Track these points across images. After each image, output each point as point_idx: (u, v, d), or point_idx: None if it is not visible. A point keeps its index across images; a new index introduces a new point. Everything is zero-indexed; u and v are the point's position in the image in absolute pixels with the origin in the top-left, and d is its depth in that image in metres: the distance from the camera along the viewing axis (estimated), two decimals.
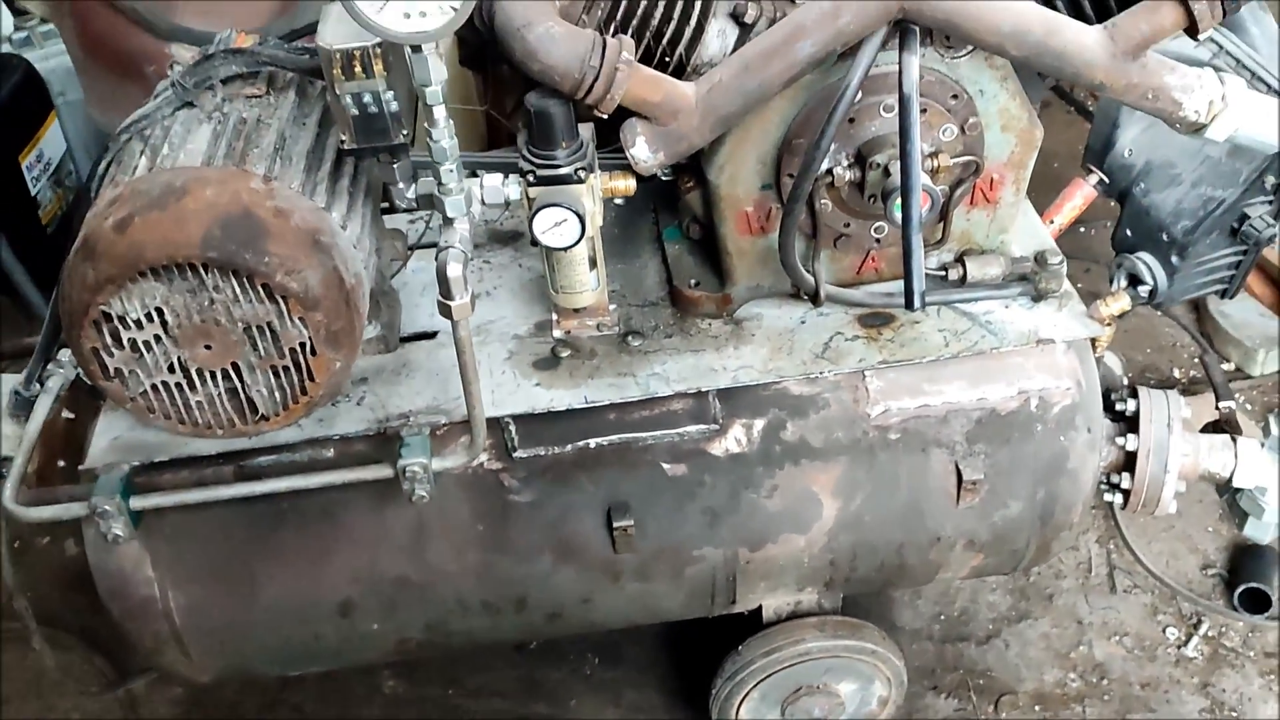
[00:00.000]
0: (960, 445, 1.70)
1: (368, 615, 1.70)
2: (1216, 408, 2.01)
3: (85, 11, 2.36)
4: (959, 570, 1.86)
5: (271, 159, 1.44)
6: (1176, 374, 2.86)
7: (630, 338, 1.71)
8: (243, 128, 1.47)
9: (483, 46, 1.49)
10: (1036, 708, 2.24)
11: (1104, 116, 2.04)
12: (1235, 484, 1.91)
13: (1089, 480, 1.77)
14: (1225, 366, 2.82)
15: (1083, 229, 2.87)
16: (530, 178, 1.50)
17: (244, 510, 1.61)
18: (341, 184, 1.53)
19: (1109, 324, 1.85)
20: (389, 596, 1.69)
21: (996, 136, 1.63)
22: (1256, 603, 2.34)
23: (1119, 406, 1.87)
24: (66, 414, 1.72)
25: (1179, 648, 2.31)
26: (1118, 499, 1.90)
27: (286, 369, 1.43)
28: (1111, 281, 2.02)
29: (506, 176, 1.51)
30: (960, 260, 1.73)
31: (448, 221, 1.44)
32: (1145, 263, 1.95)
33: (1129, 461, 1.86)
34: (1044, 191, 1.99)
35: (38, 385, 1.62)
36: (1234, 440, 1.90)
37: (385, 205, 1.64)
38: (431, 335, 1.73)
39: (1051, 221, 2.08)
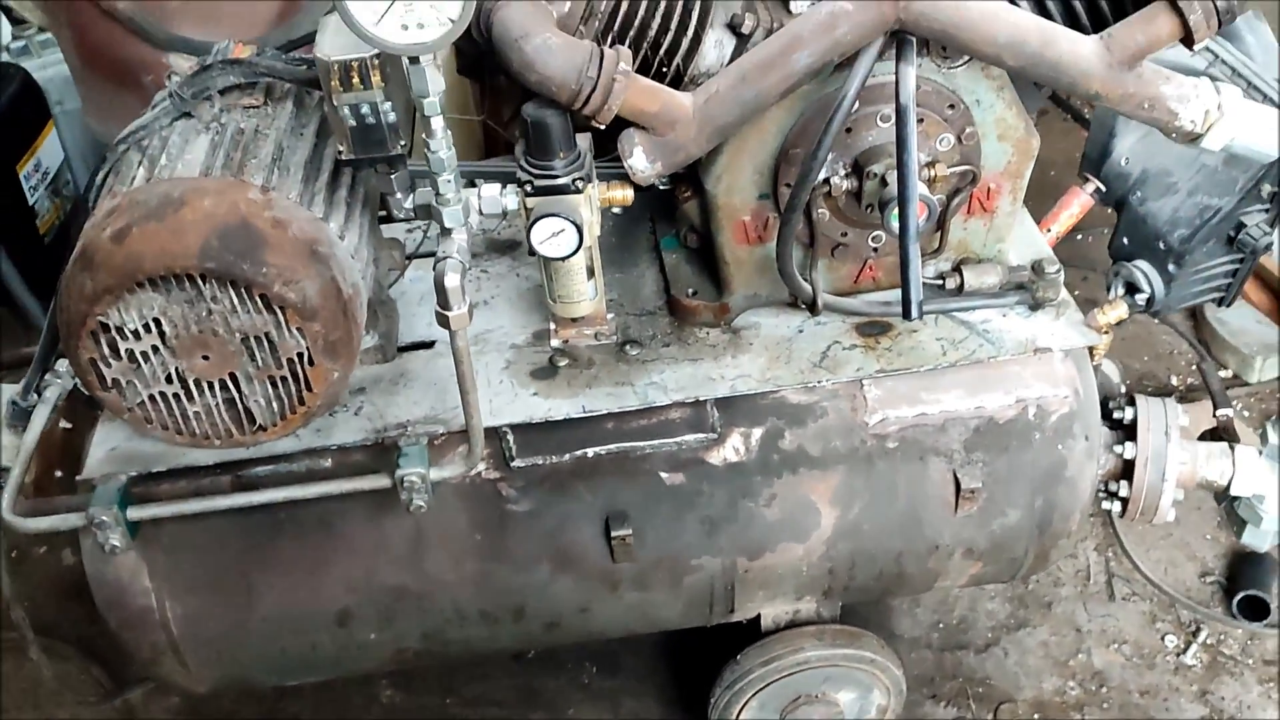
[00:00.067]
0: (958, 454, 1.70)
1: (365, 625, 1.70)
2: (1214, 415, 2.02)
3: (83, 21, 2.36)
4: (957, 578, 1.86)
5: (269, 169, 1.44)
6: (1174, 381, 2.86)
7: (628, 347, 1.71)
8: (240, 138, 1.47)
9: (480, 56, 1.50)
10: (1035, 716, 2.24)
11: (1101, 125, 2.05)
12: (1233, 492, 1.91)
13: (1087, 488, 1.77)
14: (1223, 373, 2.83)
15: (1080, 236, 2.87)
16: (528, 188, 1.50)
17: (241, 520, 1.61)
18: (339, 194, 1.53)
19: (1106, 332, 1.85)
20: (387, 606, 1.69)
21: (993, 146, 1.63)
22: (1255, 610, 2.34)
23: (1117, 415, 1.87)
24: (64, 424, 1.72)
25: (1178, 655, 2.31)
26: (1116, 507, 1.90)
27: (284, 379, 1.43)
28: (1109, 290, 2.02)
29: (504, 186, 1.51)
30: (958, 269, 1.73)
31: (445, 232, 1.44)
32: (1142, 271, 1.96)
33: (1127, 469, 1.86)
34: (1041, 199, 2.00)
35: (35, 395, 1.62)
36: (1232, 448, 1.90)
37: (383, 214, 1.64)
38: (429, 345, 1.74)
39: (1049, 230, 2.09)
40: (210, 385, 1.43)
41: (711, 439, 1.66)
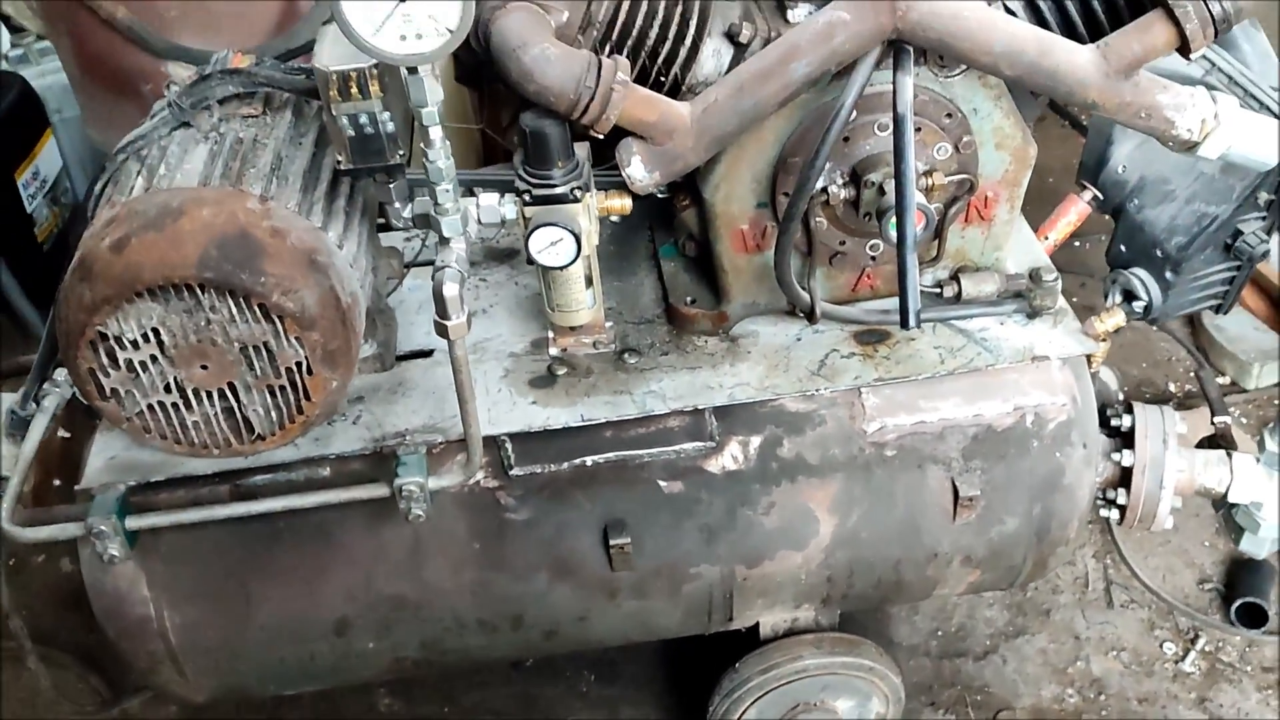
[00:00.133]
0: (956, 461, 1.71)
1: (363, 634, 1.70)
2: (1212, 423, 2.02)
3: (82, 29, 2.36)
4: (956, 586, 1.86)
5: (268, 179, 1.44)
6: (1172, 388, 2.86)
7: (626, 355, 1.71)
8: (239, 148, 1.48)
9: (479, 64, 1.50)
10: None
11: (1098, 133, 2.05)
12: (1231, 499, 1.91)
13: (1085, 496, 1.77)
14: (1220, 380, 2.83)
15: (1078, 243, 2.87)
16: (526, 197, 1.51)
17: (240, 529, 1.61)
18: (338, 203, 1.54)
19: (1104, 340, 1.85)
20: (385, 615, 1.69)
21: (991, 155, 1.64)
22: (1253, 617, 2.34)
23: (1114, 422, 1.87)
24: (62, 433, 1.71)
25: (1176, 663, 2.31)
26: (1114, 514, 1.90)
27: (283, 388, 1.43)
28: (1106, 297, 2.02)
29: (502, 196, 1.52)
30: (955, 277, 1.74)
31: (444, 241, 1.44)
32: (1140, 278, 1.96)
33: (1125, 477, 1.86)
34: (1039, 206, 2.00)
35: (34, 405, 1.62)
36: (1229, 455, 1.90)
37: (381, 222, 1.64)
38: (428, 353, 1.74)
39: (1046, 237, 2.09)
40: (209, 394, 1.43)
41: (710, 447, 1.66)
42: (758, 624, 1.88)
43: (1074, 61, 1.45)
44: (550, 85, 1.41)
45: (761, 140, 1.57)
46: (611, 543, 1.65)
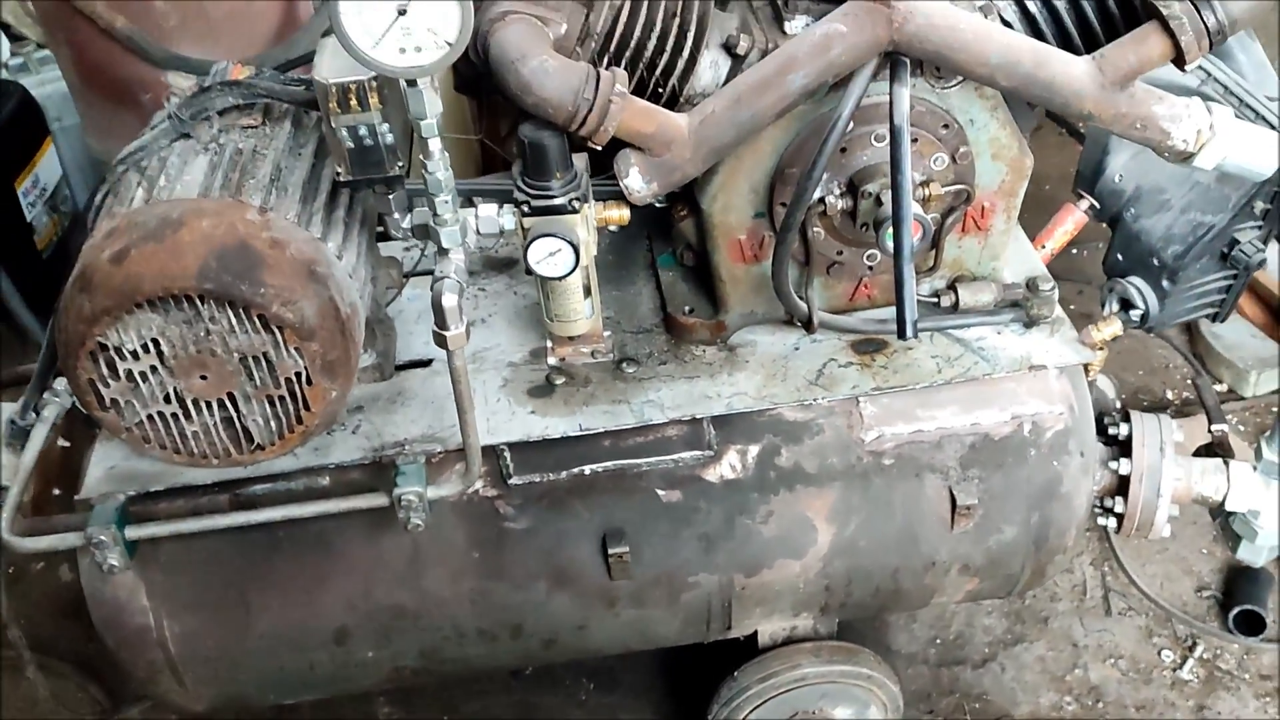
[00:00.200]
0: (954, 470, 1.71)
1: (363, 643, 1.70)
2: (1209, 430, 2.02)
3: (81, 39, 2.37)
4: (954, 595, 1.87)
5: (267, 190, 1.45)
6: (1169, 395, 2.87)
7: (625, 365, 1.72)
8: (239, 159, 1.48)
9: (478, 74, 1.51)
10: None
11: (1094, 142, 2.06)
12: (1228, 507, 1.91)
13: (1082, 505, 1.78)
14: (1218, 388, 2.84)
15: (1075, 250, 2.89)
16: (525, 208, 1.51)
17: (239, 539, 1.61)
18: (337, 214, 1.54)
19: (1101, 349, 1.86)
20: (384, 624, 1.69)
21: (987, 165, 1.64)
22: (1251, 625, 2.34)
23: (1112, 431, 1.88)
24: (62, 442, 1.72)
25: (1174, 670, 2.32)
26: (1111, 523, 1.90)
27: (282, 399, 1.43)
28: (1103, 306, 2.03)
29: (501, 207, 1.52)
30: (952, 287, 1.74)
31: (443, 252, 1.45)
32: (1136, 287, 1.97)
33: (1122, 485, 1.86)
34: (1036, 213, 2.01)
35: (34, 414, 1.62)
36: (1226, 464, 1.90)
37: (380, 231, 1.65)
38: (427, 363, 1.74)
39: (1043, 246, 2.10)
40: (208, 405, 1.43)
41: (708, 456, 1.67)
42: (756, 632, 1.88)
43: (1070, 73, 1.46)
44: (549, 97, 1.42)
45: (759, 151, 1.57)
46: (610, 552, 1.65)
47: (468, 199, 1.54)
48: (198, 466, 1.49)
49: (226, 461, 1.48)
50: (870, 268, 1.71)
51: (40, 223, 2.98)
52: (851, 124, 1.50)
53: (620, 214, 1.58)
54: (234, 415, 1.44)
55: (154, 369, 1.39)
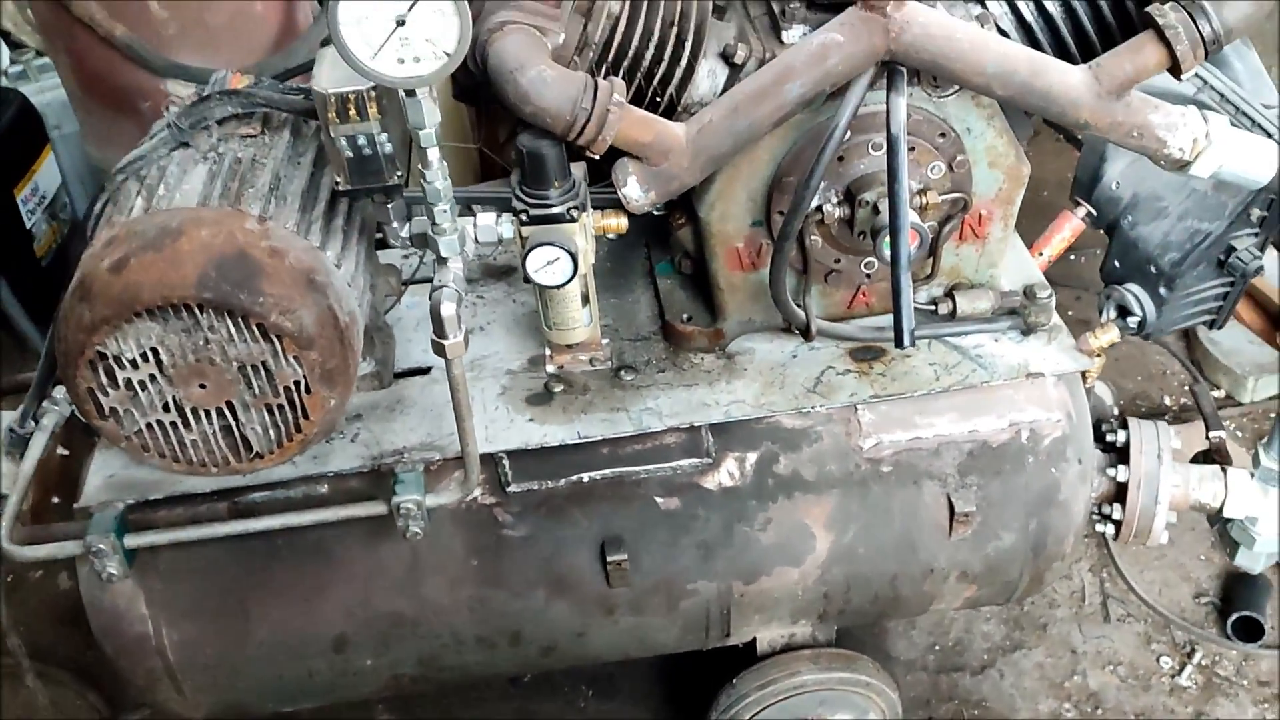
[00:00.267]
0: (952, 477, 1.71)
1: (362, 651, 1.70)
2: (1207, 437, 2.03)
3: (81, 47, 2.38)
4: (953, 601, 1.87)
5: (266, 199, 1.45)
6: (1167, 402, 2.87)
7: (623, 372, 1.72)
8: (238, 168, 1.49)
9: (477, 83, 1.51)
10: None
11: (1091, 150, 2.06)
12: (1226, 514, 1.92)
13: (1080, 511, 1.78)
14: (1215, 393, 2.84)
15: (1073, 257, 2.88)
16: (523, 217, 1.51)
17: (238, 547, 1.61)
18: (336, 222, 1.54)
19: (1098, 356, 1.86)
20: (383, 632, 1.69)
21: (984, 173, 1.65)
22: (1249, 631, 2.34)
23: (1110, 437, 1.88)
24: (61, 450, 1.72)
25: (1173, 677, 2.32)
26: (1109, 530, 1.91)
27: (281, 407, 1.43)
28: (1100, 312, 2.04)
29: (499, 215, 1.53)
30: (950, 294, 1.75)
31: (441, 260, 1.45)
32: (1134, 294, 1.97)
33: (1120, 492, 1.87)
34: (1034, 219, 2.01)
35: (33, 422, 1.62)
36: (1224, 470, 1.91)
37: (379, 238, 1.65)
38: (425, 371, 1.74)
39: (1040, 254, 2.10)
40: (207, 413, 1.43)
41: (706, 464, 1.67)
42: (755, 640, 1.88)
43: (1066, 82, 1.46)
44: (547, 107, 1.42)
45: (756, 160, 1.58)
46: (609, 559, 1.65)
47: (466, 206, 1.54)
48: (197, 475, 1.50)
49: (225, 470, 1.48)
50: (868, 275, 1.71)
51: (39, 230, 2.99)
52: (849, 133, 1.50)
53: (618, 222, 1.58)
54: (233, 424, 1.45)
55: (153, 378, 1.39)
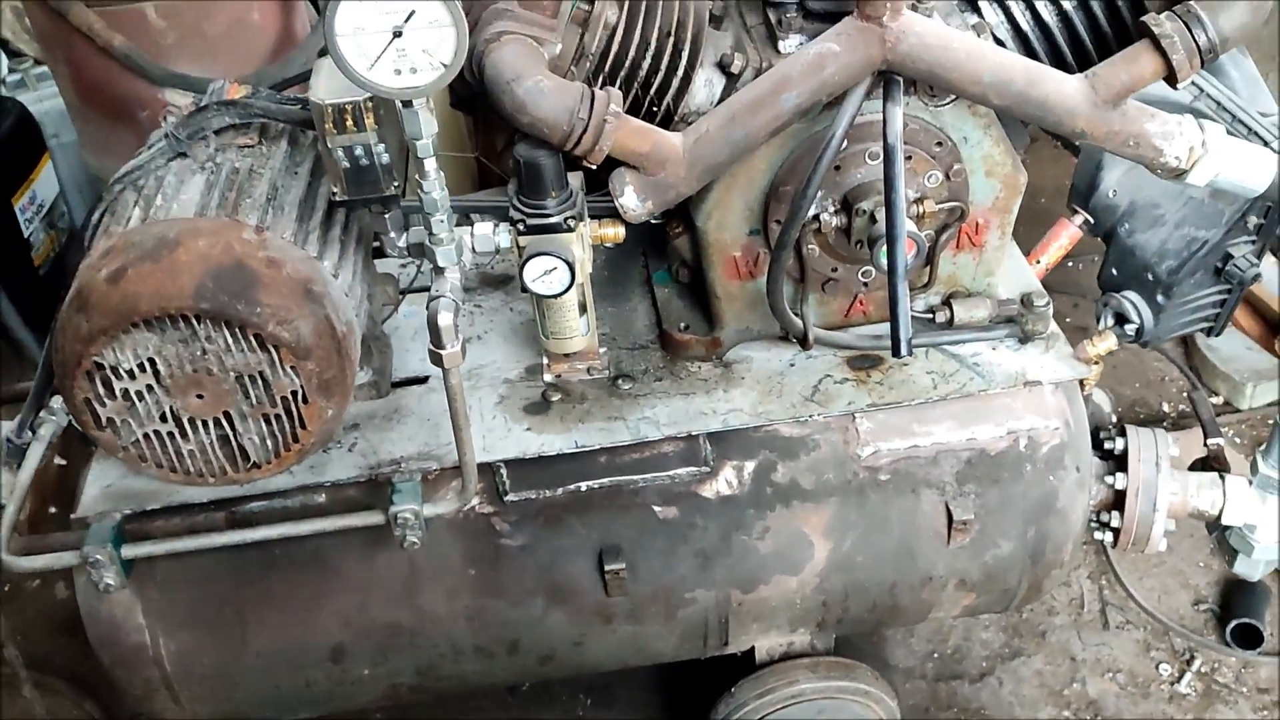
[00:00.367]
0: (950, 485, 1.71)
1: (359, 660, 1.70)
2: (1205, 444, 2.02)
3: (79, 57, 2.38)
4: (951, 609, 1.87)
5: (264, 209, 1.45)
6: (1165, 408, 2.87)
7: (620, 381, 1.72)
8: (235, 178, 1.49)
9: (474, 93, 1.51)
10: None
11: (1088, 157, 2.06)
12: (1224, 521, 1.91)
13: (1079, 519, 1.78)
14: (1214, 400, 2.84)
15: (1070, 263, 2.89)
16: (520, 226, 1.51)
17: (235, 556, 1.61)
18: (333, 232, 1.55)
19: (1096, 363, 1.86)
20: (380, 641, 1.69)
21: (981, 182, 1.65)
22: (1249, 638, 2.34)
23: (1108, 445, 1.88)
24: (59, 460, 1.72)
25: (1172, 684, 2.32)
26: (1108, 537, 1.90)
27: (278, 417, 1.43)
28: (1098, 320, 2.04)
29: (497, 225, 1.53)
30: (947, 303, 1.75)
31: (438, 270, 1.45)
32: (1131, 302, 1.97)
33: (1118, 500, 1.86)
34: (1031, 226, 2.01)
35: (30, 433, 1.62)
36: (1222, 478, 1.91)
37: (376, 246, 1.65)
38: (423, 380, 1.74)
39: (1038, 261, 2.10)
40: (205, 423, 1.43)
41: (704, 472, 1.67)
42: (753, 648, 1.88)
43: (1062, 91, 1.47)
44: (544, 117, 1.42)
45: (753, 169, 1.58)
46: (606, 568, 1.65)
47: (464, 215, 1.55)
48: (194, 485, 1.49)
49: (223, 480, 1.48)
50: (865, 284, 1.72)
51: (37, 239, 2.99)
52: (845, 142, 1.50)
53: (615, 232, 1.58)
54: (230, 434, 1.45)
55: (150, 388, 1.39)
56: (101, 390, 1.39)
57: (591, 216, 1.58)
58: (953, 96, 1.55)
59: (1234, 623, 2.34)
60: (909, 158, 1.56)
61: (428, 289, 1.44)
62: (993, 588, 1.82)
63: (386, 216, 1.47)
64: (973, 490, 1.72)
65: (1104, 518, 1.89)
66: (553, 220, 1.51)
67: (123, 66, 2.32)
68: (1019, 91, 1.45)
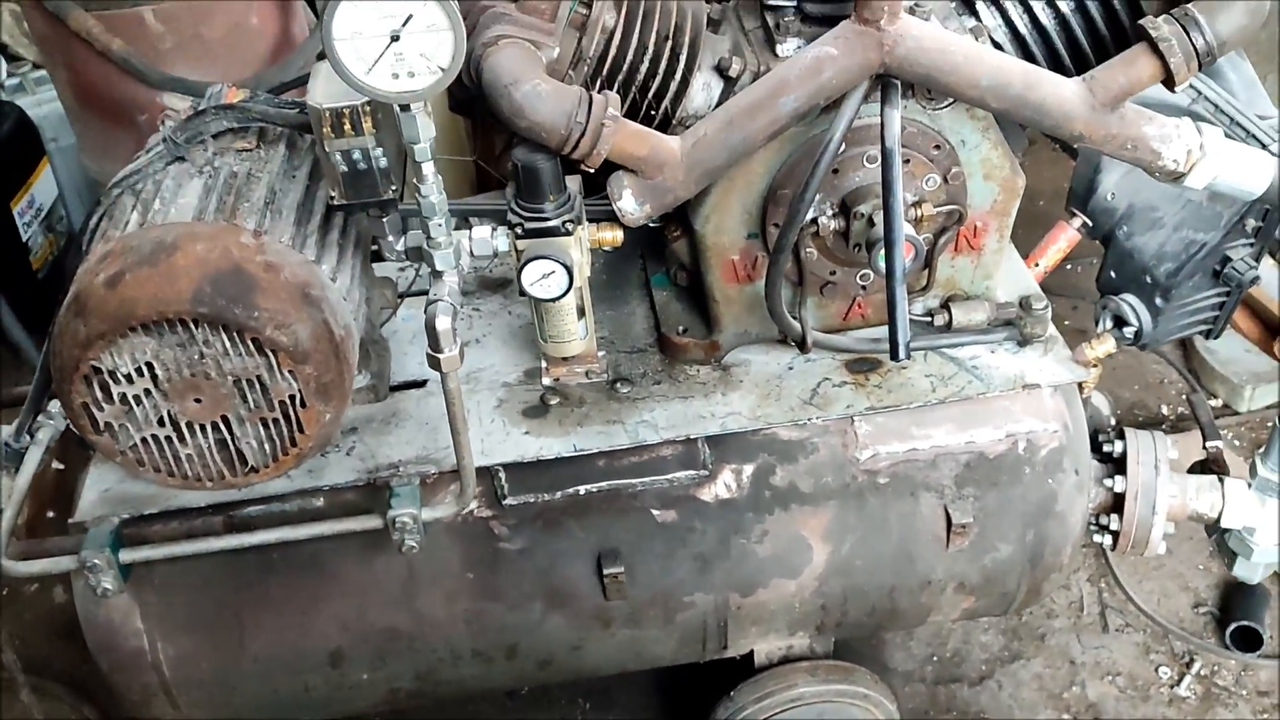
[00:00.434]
0: (949, 489, 1.71)
1: (358, 665, 1.70)
2: (1204, 447, 2.02)
3: (78, 61, 2.38)
4: (950, 613, 1.86)
5: (262, 213, 1.45)
6: (1164, 411, 2.87)
7: (619, 385, 1.72)
8: (233, 181, 1.49)
9: (472, 96, 1.51)
10: None
11: (1086, 160, 2.06)
12: (1223, 524, 1.91)
13: (1077, 522, 1.78)
14: (1212, 403, 2.84)
15: (1069, 266, 2.89)
16: (518, 230, 1.51)
17: (233, 561, 1.61)
18: (331, 236, 1.55)
19: (1095, 366, 1.86)
20: (379, 646, 1.69)
21: (979, 185, 1.65)
22: (1248, 641, 2.34)
23: (1107, 448, 1.88)
24: (56, 465, 1.72)
25: (1172, 687, 2.31)
26: (1107, 540, 1.90)
27: (276, 421, 1.43)
28: (1097, 323, 2.03)
29: (495, 229, 1.53)
30: (946, 306, 1.75)
31: (436, 274, 1.45)
32: (1130, 304, 1.97)
33: (1117, 503, 1.86)
34: (1030, 229, 2.01)
35: (28, 437, 1.62)
36: (1221, 481, 1.91)
37: (375, 250, 1.65)
38: (421, 384, 1.74)
39: (1036, 264, 2.10)
40: (202, 428, 1.43)
41: (703, 476, 1.67)
42: (752, 652, 1.88)
43: (1060, 94, 1.47)
44: (541, 121, 1.42)
45: (751, 172, 1.58)
46: (605, 572, 1.65)
47: (462, 219, 1.55)
48: (192, 489, 1.49)
49: (221, 484, 1.48)
50: (863, 287, 1.72)
51: (36, 243, 2.99)
52: (843, 145, 1.50)
53: (614, 235, 1.58)
54: (228, 438, 1.45)
55: (148, 392, 1.39)
56: (99, 394, 1.39)
57: (590, 220, 1.58)
58: (950, 100, 1.55)
59: (1234, 625, 2.34)
60: (907, 161, 1.56)
61: (426, 293, 1.44)
62: (992, 591, 1.82)
63: (384, 220, 1.47)
64: (971, 493, 1.72)
65: (1103, 520, 1.89)
66: (551, 224, 1.51)
67: (121, 70, 2.32)
68: (1017, 95, 1.46)
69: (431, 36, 1.24)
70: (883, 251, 1.49)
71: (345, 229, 1.58)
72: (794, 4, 1.52)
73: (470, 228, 1.53)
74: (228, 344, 1.36)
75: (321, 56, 1.35)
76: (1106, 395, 2.05)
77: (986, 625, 2.42)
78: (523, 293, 1.55)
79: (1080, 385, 1.78)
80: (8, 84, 3.13)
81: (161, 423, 1.42)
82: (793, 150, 1.56)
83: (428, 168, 1.36)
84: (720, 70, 1.55)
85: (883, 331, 1.66)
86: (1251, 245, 1.90)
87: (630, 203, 1.52)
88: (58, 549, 1.57)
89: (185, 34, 2.30)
